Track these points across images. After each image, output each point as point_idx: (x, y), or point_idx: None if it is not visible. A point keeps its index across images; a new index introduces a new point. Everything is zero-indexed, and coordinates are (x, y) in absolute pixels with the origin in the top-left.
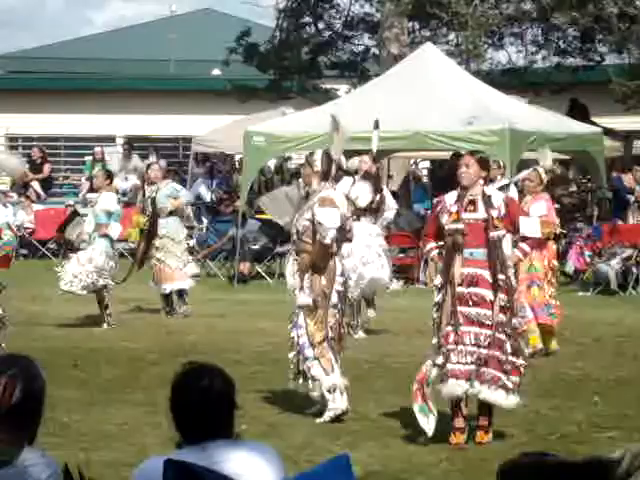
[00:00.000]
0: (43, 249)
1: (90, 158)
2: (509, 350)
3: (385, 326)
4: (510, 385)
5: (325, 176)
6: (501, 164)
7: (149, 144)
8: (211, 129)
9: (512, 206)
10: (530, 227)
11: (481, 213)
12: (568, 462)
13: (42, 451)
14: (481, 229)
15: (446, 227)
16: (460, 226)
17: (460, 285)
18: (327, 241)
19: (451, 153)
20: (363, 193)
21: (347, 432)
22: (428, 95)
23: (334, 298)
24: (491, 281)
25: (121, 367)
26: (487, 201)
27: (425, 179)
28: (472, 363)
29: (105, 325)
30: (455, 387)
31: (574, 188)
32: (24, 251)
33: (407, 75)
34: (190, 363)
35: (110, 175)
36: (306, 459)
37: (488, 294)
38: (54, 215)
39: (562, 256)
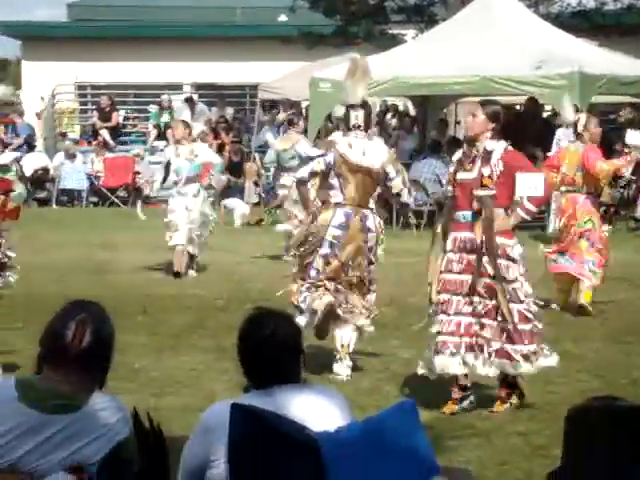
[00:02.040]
0: (112, 197)
1: (157, 106)
2: (510, 317)
3: None
4: (516, 354)
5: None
6: (579, 108)
7: (216, 91)
8: (278, 76)
9: (510, 161)
10: (530, 184)
11: (475, 172)
12: (638, 406)
13: (112, 395)
14: (473, 189)
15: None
16: (448, 189)
17: (451, 251)
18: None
19: (527, 98)
20: None
21: (414, 378)
22: (496, 39)
23: (324, 249)
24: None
25: (190, 314)
26: (485, 157)
27: None
28: (465, 334)
29: (193, 272)
30: (446, 363)
31: None
32: (94, 199)
33: (475, 19)
34: (256, 309)
35: (189, 125)
36: (373, 404)
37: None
38: (122, 163)
39: (632, 201)
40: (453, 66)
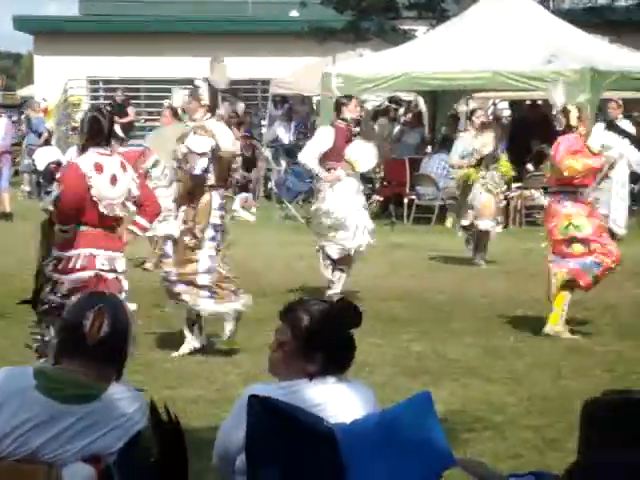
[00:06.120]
0: None
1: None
2: None
3: (466, 266)
4: None
5: (211, 109)
6: (620, 103)
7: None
8: (289, 71)
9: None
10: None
11: None
12: None
13: (129, 385)
14: None
15: None
16: None
17: None
18: (195, 172)
19: (528, 105)
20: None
21: (427, 372)
22: (507, 34)
23: (210, 232)
24: None
25: None
26: None
27: (505, 120)
28: None
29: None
30: None
31: None
32: None
33: (486, 15)
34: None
35: (177, 112)
36: (386, 398)
37: None
38: (133, 157)
39: None
40: (464, 61)
